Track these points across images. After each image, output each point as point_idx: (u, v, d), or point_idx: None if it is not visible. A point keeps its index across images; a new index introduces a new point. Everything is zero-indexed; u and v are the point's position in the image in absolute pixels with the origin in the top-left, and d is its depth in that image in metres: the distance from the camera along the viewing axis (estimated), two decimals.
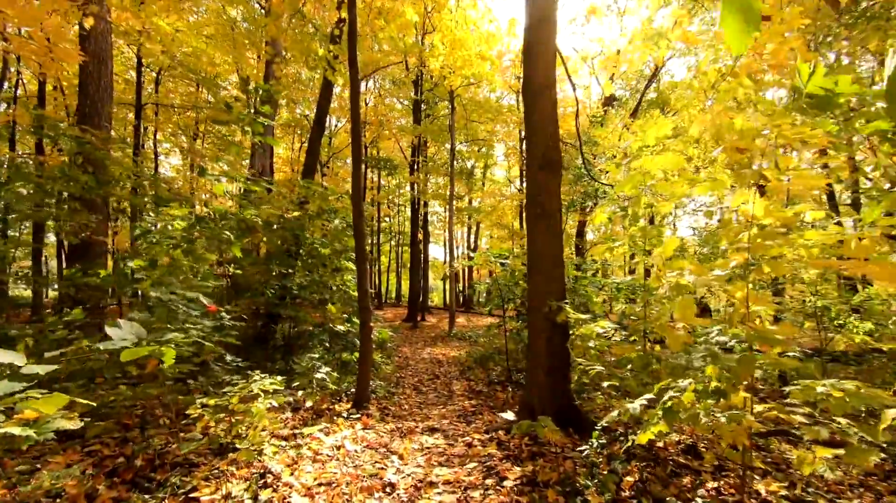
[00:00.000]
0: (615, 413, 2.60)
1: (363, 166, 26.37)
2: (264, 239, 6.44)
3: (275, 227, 5.70)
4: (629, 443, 2.67)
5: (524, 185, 21.41)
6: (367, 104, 24.04)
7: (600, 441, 3.09)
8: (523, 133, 21.47)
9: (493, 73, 19.10)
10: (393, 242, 34.35)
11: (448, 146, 22.38)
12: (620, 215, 4.11)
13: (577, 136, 5.70)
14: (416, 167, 19.33)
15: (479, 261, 6.65)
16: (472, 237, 32.07)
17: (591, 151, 13.04)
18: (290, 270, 6.61)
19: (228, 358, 3.85)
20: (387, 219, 32.62)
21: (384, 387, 5.89)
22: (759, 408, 2.48)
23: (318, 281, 6.08)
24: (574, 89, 5.95)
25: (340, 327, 4.93)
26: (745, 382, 2.31)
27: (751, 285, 2.47)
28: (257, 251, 7.48)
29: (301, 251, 7.15)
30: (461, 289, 30.41)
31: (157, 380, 2.95)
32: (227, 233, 4.12)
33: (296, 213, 5.98)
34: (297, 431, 3.66)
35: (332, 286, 6.17)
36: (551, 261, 4.37)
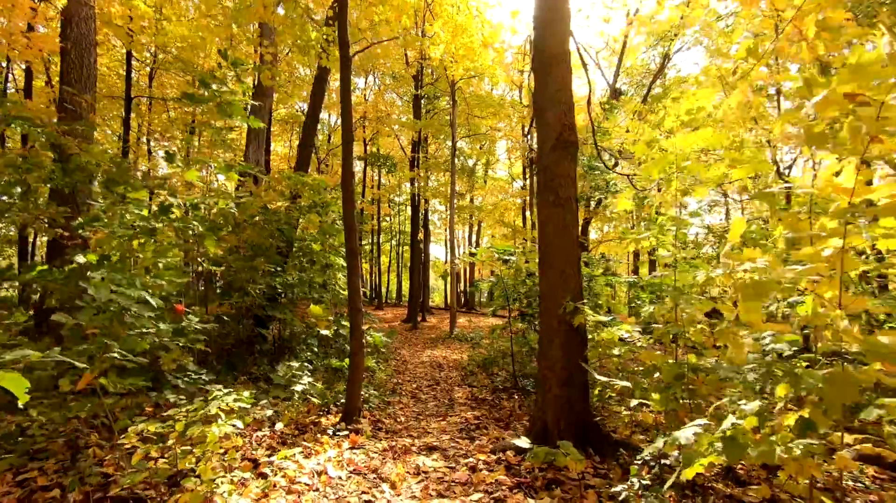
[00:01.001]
0: (659, 443, 2.07)
1: (363, 163, 25.73)
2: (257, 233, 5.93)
3: (256, 218, 5.16)
4: (676, 477, 2.14)
5: (527, 181, 20.86)
6: (366, 100, 23.52)
7: (642, 480, 2.55)
8: (526, 129, 20.93)
9: (495, 68, 18.58)
10: (394, 242, 33.92)
11: (449, 143, 21.84)
12: (648, 203, 3.59)
13: (589, 122, 5.16)
14: (416, 163, 18.79)
15: (482, 257, 6.11)
16: (474, 236, 31.53)
17: (599, 142, 12.42)
18: (278, 268, 6.09)
19: (192, 368, 3.32)
20: (387, 218, 32.15)
21: (378, 396, 5.35)
22: (848, 438, 1.96)
23: (307, 279, 5.55)
24: (585, 68, 5.41)
25: (325, 331, 4.38)
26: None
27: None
28: (250, 248, 6.97)
29: (294, 246, 6.62)
30: (462, 288, 29.88)
31: (95, 397, 2.44)
32: (196, 223, 3.59)
33: (280, 203, 5.45)
34: (269, 457, 3.12)
35: (327, 284, 5.64)
36: (566, 256, 3.83)
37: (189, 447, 2.30)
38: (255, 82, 10.42)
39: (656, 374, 3.61)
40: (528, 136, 20.25)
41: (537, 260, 4.02)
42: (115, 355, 2.35)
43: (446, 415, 5.18)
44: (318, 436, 3.72)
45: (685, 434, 1.97)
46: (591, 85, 5.18)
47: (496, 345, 10.26)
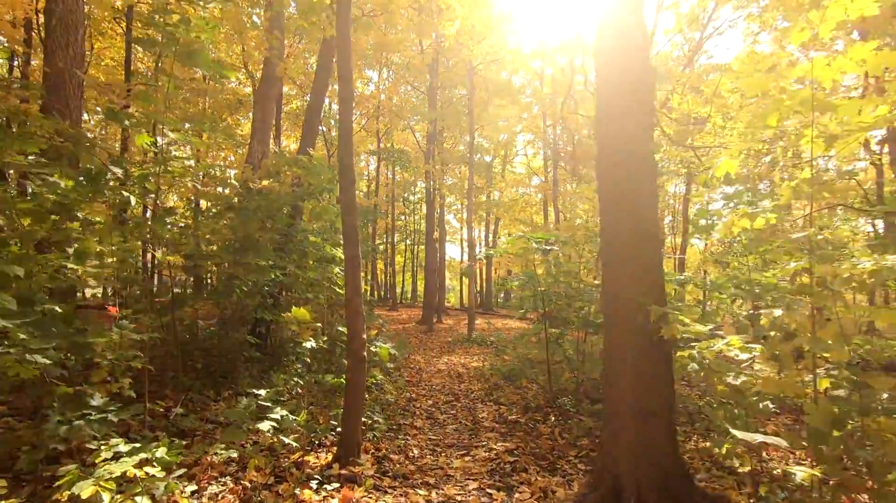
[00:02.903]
0: None
1: (376, 159, 24.81)
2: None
3: (235, 200, 4.20)
4: None
5: (549, 173, 19.66)
6: (380, 91, 22.59)
7: None
8: (548, 121, 19.73)
9: (516, 52, 17.45)
10: (408, 241, 33.12)
11: (465, 137, 20.78)
12: (765, 164, 2.50)
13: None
14: (431, 155, 17.74)
15: (510, 248, 5.01)
16: (491, 236, 30.36)
17: None
18: (270, 263, 5.13)
19: (95, 403, 2.32)
20: (402, 217, 31.28)
21: (385, 421, 4.32)
22: None
23: (301, 276, 4.59)
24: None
25: (310, 342, 3.36)
26: None
27: None
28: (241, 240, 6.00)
29: (297, 239, 5.65)
30: (478, 289, 28.79)
31: None
32: (131, 195, 2.63)
33: (266, 182, 4.49)
34: None
35: (323, 281, 4.68)
36: (646, 241, 2.74)
37: None
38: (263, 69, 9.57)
39: (765, 405, 2.50)
40: (550, 128, 19.07)
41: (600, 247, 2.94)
42: None
43: (471, 447, 4.12)
44: (299, 489, 2.70)
45: None
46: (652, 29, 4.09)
47: (519, 351, 9.15)
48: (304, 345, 3.31)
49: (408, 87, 22.83)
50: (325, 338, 3.52)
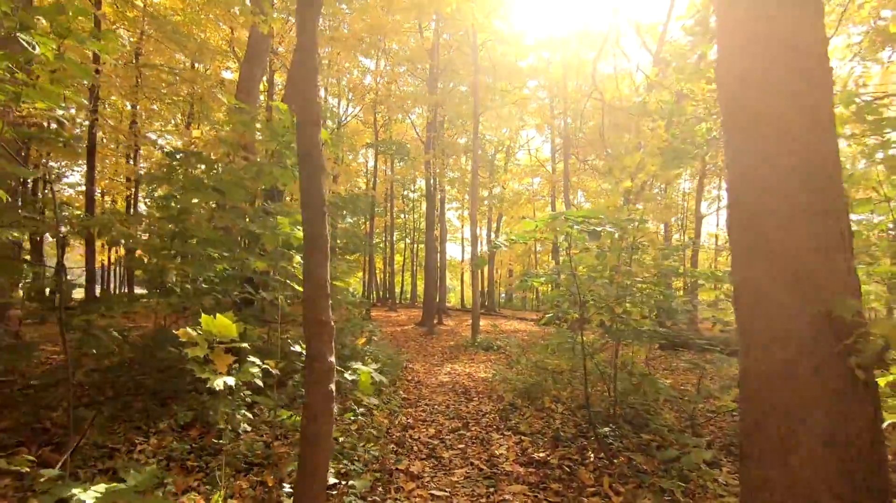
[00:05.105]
0: None
1: (374, 151, 23.61)
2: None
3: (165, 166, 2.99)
4: None
5: (558, 164, 18.40)
6: (377, 83, 21.35)
7: None
8: (557, 110, 18.49)
9: (523, 35, 16.22)
10: (408, 240, 32.02)
11: (468, 130, 19.58)
12: None
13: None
14: (432, 145, 16.48)
15: (539, 234, 3.75)
16: (493, 234, 29.13)
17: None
18: (224, 253, 3.92)
19: None
20: (401, 215, 30.08)
21: (365, 472, 3.08)
22: None
23: (245, 265, 3.37)
24: None
25: (222, 380, 2.08)
26: None
27: None
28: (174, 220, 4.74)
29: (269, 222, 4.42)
30: (481, 288, 27.57)
31: None
32: None
33: (196, 133, 3.28)
34: None
35: (278, 274, 3.45)
36: (819, 198, 1.52)
37: None
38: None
39: None
40: (561, 115, 17.85)
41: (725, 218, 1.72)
42: None
43: None
44: None
45: None
46: None
47: (535, 360, 7.95)
48: (212, 383, 2.03)
49: (407, 76, 21.59)
50: (271, 363, 2.28)
